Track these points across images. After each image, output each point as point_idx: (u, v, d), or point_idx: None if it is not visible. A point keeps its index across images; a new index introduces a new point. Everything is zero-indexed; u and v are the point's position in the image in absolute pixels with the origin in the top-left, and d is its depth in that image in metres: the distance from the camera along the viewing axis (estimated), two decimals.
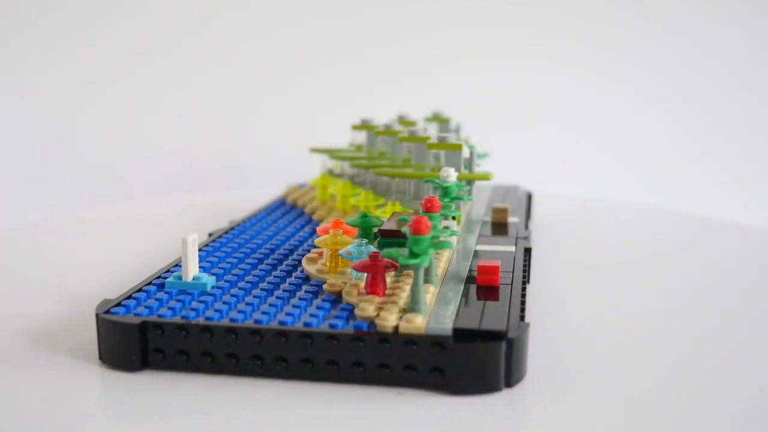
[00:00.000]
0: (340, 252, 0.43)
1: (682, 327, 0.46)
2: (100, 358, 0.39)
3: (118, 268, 0.55)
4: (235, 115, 1.13)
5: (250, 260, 0.48)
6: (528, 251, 0.52)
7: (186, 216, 0.72)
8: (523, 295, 0.42)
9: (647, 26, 1.14)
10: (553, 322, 0.46)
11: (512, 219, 0.58)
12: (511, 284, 0.43)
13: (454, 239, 0.50)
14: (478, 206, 0.64)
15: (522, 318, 0.39)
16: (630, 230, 0.72)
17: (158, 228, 0.67)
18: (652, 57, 1.15)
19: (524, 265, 0.48)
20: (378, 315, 0.37)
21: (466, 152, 0.55)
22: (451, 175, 0.51)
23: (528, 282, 0.52)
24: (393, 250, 0.37)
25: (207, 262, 0.48)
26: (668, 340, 0.43)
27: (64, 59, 1.08)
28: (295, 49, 1.13)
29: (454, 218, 0.54)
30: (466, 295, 0.41)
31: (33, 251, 0.62)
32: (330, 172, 0.68)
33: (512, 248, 0.50)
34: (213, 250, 0.51)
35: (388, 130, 0.62)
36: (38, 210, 1.03)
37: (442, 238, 0.40)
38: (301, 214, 0.63)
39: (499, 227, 0.57)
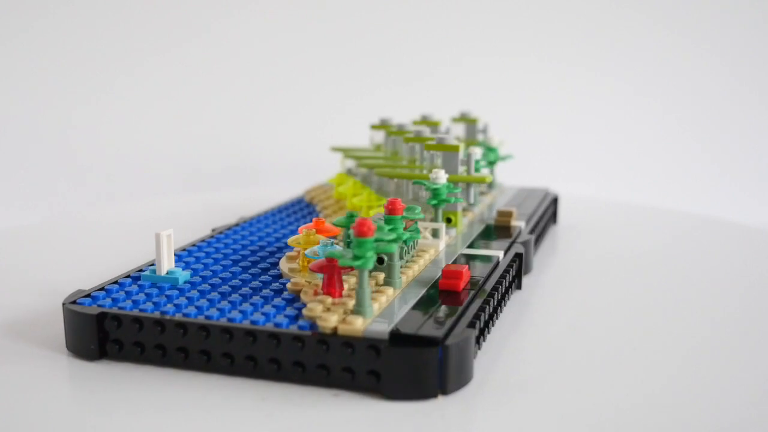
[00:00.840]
0: (305, 252, 0.43)
1: (678, 327, 0.44)
2: (67, 346, 0.40)
3: (120, 265, 0.56)
4: (267, 112, 1.15)
5: (235, 257, 0.49)
6: (519, 256, 0.50)
7: (204, 213, 0.73)
8: (487, 302, 0.41)
9: (648, 27, 1.11)
10: (535, 327, 0.44)
11: (516, 223, 0.57)
12: (478, 290, 0.42)
13: (439, 245, 0.50)
14: (496, 208, 0.63)
15: (472, 325, 0.38)
16: (630, 230, 0.70)
17: (168, 225, 0.68)
18: (653, 56, 1.12)
19: (506, 271, 0.47)
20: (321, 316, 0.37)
21: (464, 153, 0.54)
22: (440, 177, 0.50)
23: (519, 287, 0.51)
24: (337, 251, 0.37)
25: (193, 256, 0.49)
26: (662, 343, 0.42)
27: (66, 59, 1.10)
28: (329, 49, 1.14)
29: (450, 220, 0.54)
30: (425, 299, 0.40)
31: (44, 248, 0.64)
32: (349, 171, 0.69)
33: (500, 253, 0.49)
34: (205, 245, 0.52)
35: (399, 131, 0.62)
36: (41, 210, 1.06)
37: (397, 240, 0.39)
38: (313, 212, 0.63)
39: (502, 230, 0.56)
